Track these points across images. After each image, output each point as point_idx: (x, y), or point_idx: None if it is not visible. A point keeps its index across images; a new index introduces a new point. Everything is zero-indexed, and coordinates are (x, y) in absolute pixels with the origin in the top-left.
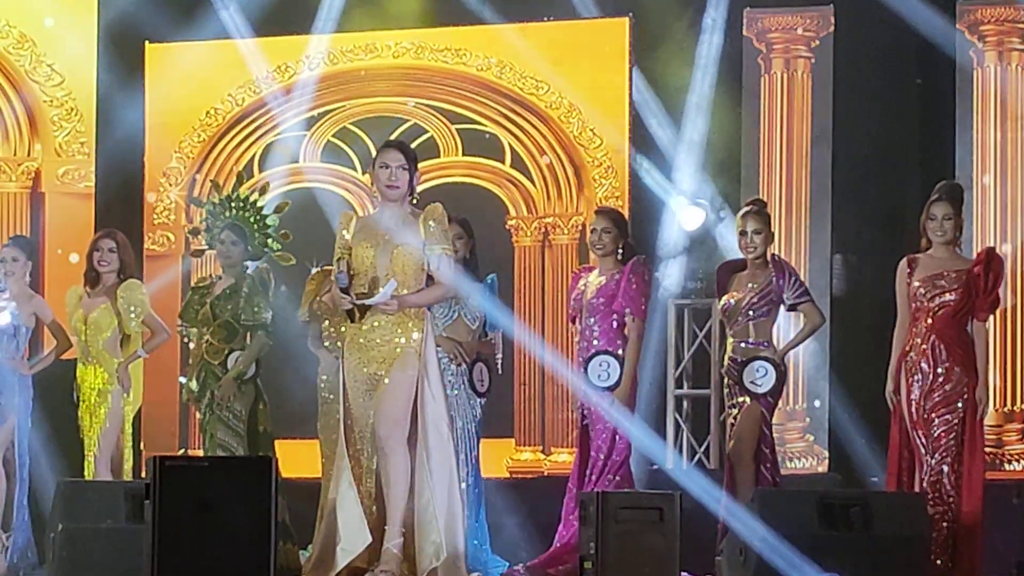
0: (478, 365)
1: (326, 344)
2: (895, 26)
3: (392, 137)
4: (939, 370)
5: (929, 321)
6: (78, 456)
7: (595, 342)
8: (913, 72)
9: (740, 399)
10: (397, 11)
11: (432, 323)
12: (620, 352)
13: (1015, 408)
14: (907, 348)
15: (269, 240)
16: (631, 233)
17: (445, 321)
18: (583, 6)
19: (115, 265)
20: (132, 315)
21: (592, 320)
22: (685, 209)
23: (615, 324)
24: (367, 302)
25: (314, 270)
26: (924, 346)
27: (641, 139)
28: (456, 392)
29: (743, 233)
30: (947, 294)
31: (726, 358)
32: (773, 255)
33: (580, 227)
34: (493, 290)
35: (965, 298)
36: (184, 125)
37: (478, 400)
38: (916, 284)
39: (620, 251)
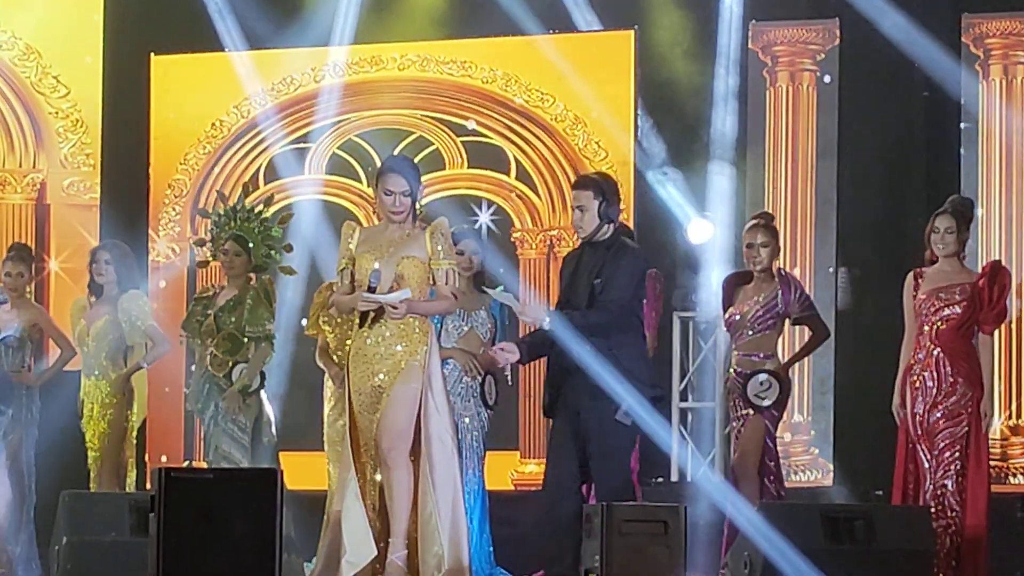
0: (488, 377)
1: (332, 356)
2: (901, 40)
3: (397, 151)
4: (943, 384)
5: (934, 334)
6: (83, 468)
7: None
8: (919, 85)
9: (744, 412)
10: (403, 23)
11: (435, 336)
12: None
13: (1020, 422)
14: (912, 362)
15: (272, 252)
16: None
17: (458, 333)
18: (588, 18)
19: (112, 276)
20: (133, 326)
21: None
22: (692, 222)
23: None
24: (378, 297)
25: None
26: (928, 360)
27: (646, 151)
28: (466, 404)
29: (750, 246)
30: (952, 307)
31: (730, 371)
32: (779, 268)
33: None
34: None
35: (969, 311)
36: (189, 137)
37: (486, 412)
38: (922, 297)
39: None
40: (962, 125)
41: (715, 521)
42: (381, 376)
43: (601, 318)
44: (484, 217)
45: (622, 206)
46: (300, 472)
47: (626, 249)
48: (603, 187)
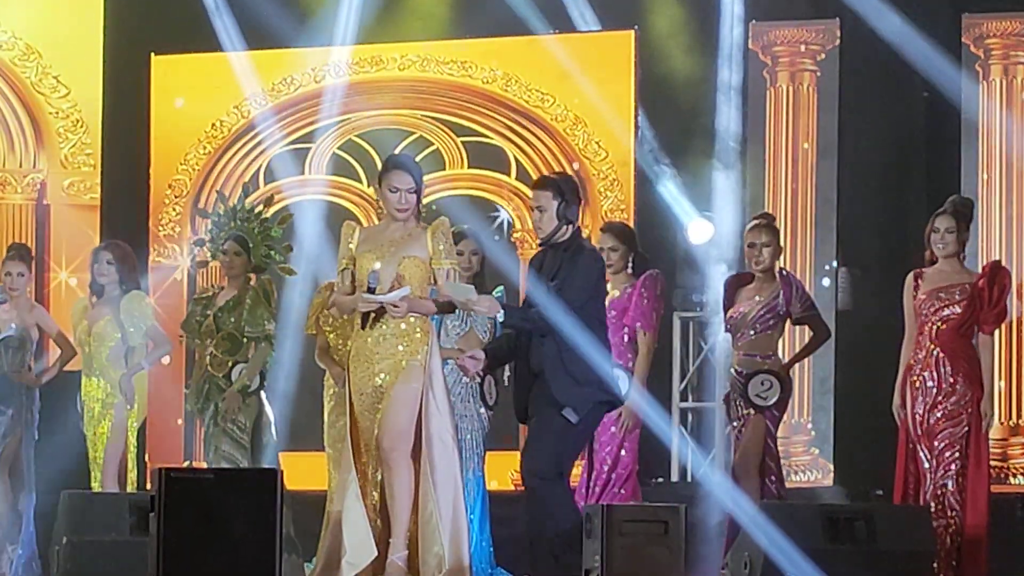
0: (488, 378)
1: (332, 356)
2: (901, 40)
3: (398, 150)
4: (943, 384)
5: (934, 334)
6: (84, 468)
7: None
8: (919, 86)
9: (745, 412)
10: (404, 24)
11: (436, 336)
12: (630, 365)
13: (1020, 422)
14: (912, 362)
15: (272, 252)
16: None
17: (457, 333)
18: (588, 18)
19: (114, 277)
20: (135, 327)
21: None
22: (693, 222)
23: (626, 338)
24: (378, 297)
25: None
26: (929, 360)
27: (646, 152)
28: (466, 404)
29: (752, 245)
30: (951, 307)
31: (731, 371)
32: (781, 269)
33: None
34: (501, 303)
35: (969, 311)
36: (190, 137)
37: (486, 412)
38: (921, 297)
39: (631, 265)
40: (962, 125)
41: (721, 521)
42: (382, 376)
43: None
44: (504, 214)
45: (622, 206)
46: (300, 472)
47: (582, 251)
48: (562, 187)
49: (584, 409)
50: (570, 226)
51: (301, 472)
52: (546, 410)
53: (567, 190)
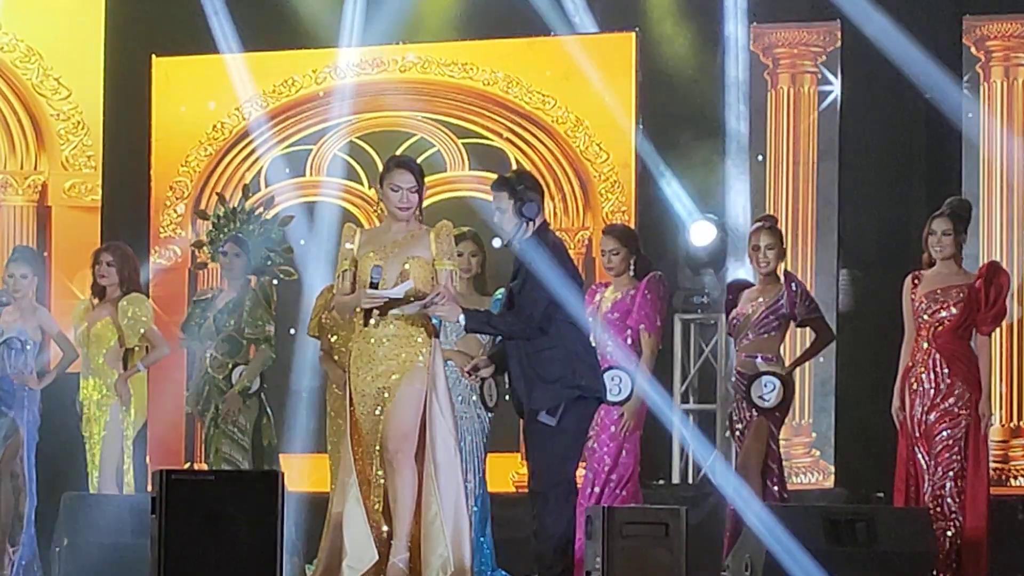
0: (487, 380)
1: (334, 358)
2: (901, 41)
3: (399, 152)
4: (941, 385)
5: (931, 336)
6: (83, 470)
7: (608, 356)
8: (920, 87)
9: (747, 414)
10: (405, 25)
11: (438, 337)
12: (633, 367)
13: (1021, 423)
14: (910, 363)
15: (272, 253)
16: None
17: (456, 335)
18: (589, 20)
19: (114, 278)
20: (133, 329)
21: (607, 335)
22: (695, 224)
23: (629, 340)
24: (382, 292)
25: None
26: (927, 361)
27: (647, 153)
28: (466, 406)
29: (756, 248)
30: (948, 309)
31: (733, 373)
32: (785, 271)
33: (586, 242)
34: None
35: (966, 312)
36: (191, 139)
37: (486, 414)
38: (919, 299)
39: (633, 267)
40: (963, 126)
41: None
42: (385, 378)
43: (517, 320)
44: None
45: (623, 208)
46: (301, 474)
47: (539, 247)
48: (516, 186)
49: (558, 409)
50: (530, 223)
51: (302, 474)
52: (529, 418)
53: (522, 189)
